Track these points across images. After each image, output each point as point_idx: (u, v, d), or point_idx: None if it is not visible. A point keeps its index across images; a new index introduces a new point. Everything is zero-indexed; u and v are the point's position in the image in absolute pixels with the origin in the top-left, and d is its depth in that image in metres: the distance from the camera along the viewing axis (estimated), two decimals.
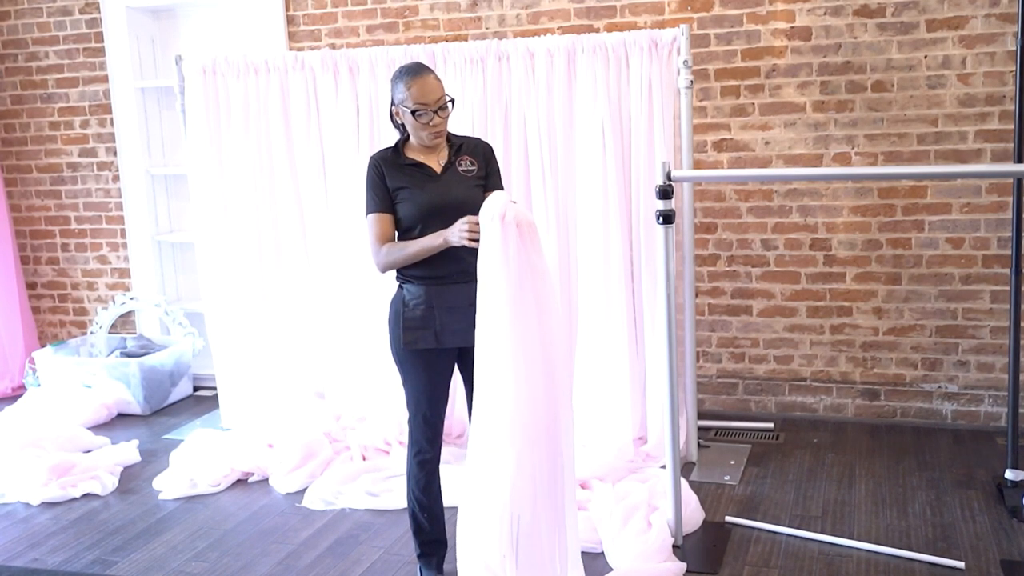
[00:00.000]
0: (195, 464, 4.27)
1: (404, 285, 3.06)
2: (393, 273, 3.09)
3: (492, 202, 2.72)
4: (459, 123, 4.36)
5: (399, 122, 3.04)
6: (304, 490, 4.05)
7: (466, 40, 4.69)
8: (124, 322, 5.85)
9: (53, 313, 6.07)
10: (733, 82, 4.53)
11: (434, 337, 2.99)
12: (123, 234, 5.77)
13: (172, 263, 5.81)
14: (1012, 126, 4.09)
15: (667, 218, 3.26)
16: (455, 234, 2.81)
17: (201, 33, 5.51)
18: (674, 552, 3.35)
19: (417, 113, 2.93)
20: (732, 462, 4.18)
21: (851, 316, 4.57)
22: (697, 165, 4.44)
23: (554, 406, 2.77)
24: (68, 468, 4.26)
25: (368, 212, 3.02)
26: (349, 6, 5.06)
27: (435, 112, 2.94)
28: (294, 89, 4.59)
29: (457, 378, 3.16)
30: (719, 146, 4.59)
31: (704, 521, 3.60)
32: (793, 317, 4.65)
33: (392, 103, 3.01)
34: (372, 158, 3.05)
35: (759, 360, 4.73)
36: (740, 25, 4.49)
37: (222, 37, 5.42)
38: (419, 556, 3.23)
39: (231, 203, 4.74)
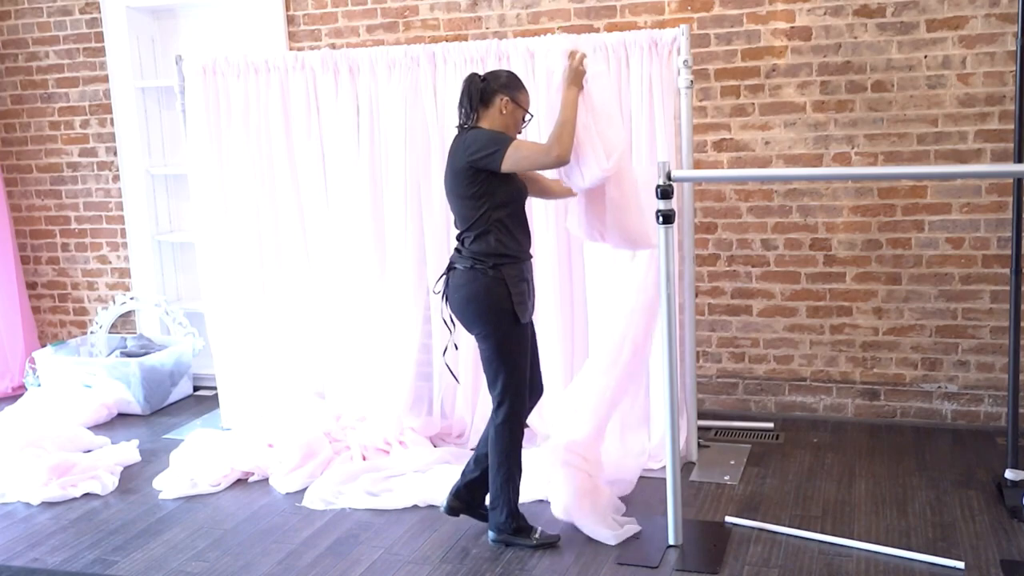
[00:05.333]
0: (195, 464, 4.27)
1: (499, 266, 3.28)
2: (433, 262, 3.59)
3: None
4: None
5: (503, 111, 3.31)
6: (304, 490, 4.05)
7: (466, 40, 4.69)
8: (124, 322, 5.85)
9: (53, 313, 6.07)
10: (733, 82, 4.53)
11: (532, 308, 3.42)
12: (123, 234, 5.77)
13: (172, 263, 5.81)
14: (1012, 126, 4.09)
15: (667, 218, 3.26)
16: (573, 69, 3.28)
17: (201, 33, 5.51)
18: (674, 552, 3.36)
19: (524, 115, 3.37)
20: (732, 462, 4.18)
21: (851, 316, 4.57)
22: (697, 165, 4.44)
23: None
24: (68, 468, 4.26)
25: (510, 142, 3.23)
26: (349, 6, 5.06)
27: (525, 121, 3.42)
28: (294, 89, 4.59)
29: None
30: (719, 146, 4.59)
31: (704, 521, 3.61)
32: (793, 317, 4.65)
33: (509, 92, 3.30)
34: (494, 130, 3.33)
35: (759, 360, 4.73)
36: (740, 25, 4.49)
37: (222, 37, 5.42)
38: (518, 530, 3.44)
39: (231, 203, 4.74)
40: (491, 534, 3.49)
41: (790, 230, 4.57)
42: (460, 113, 3.36)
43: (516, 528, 3.45)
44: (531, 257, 3.42)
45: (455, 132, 3.40)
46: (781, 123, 4.50)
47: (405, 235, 4.48)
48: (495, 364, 3.34)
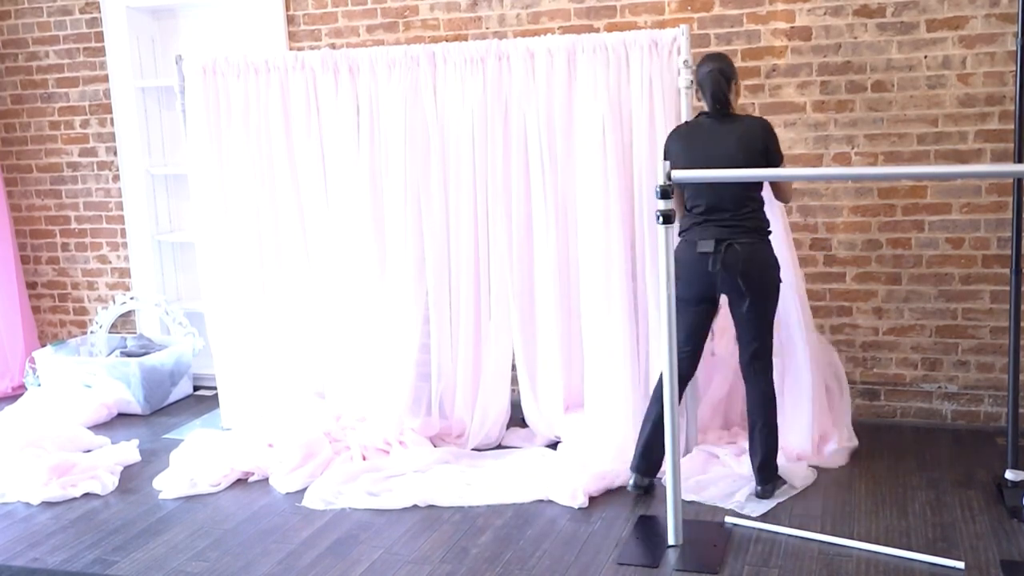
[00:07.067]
0: (195, 464, 4.27)
1: (769, 235, 3.73)
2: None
3: None
4: (459, 123, 4.36)
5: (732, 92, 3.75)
6: (304, 490, 4.04)
7: (466, 40, 4.70)
8: (124, 322, 5.85)
9: (53, 313, 6.07)
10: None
11: None
12: (123, 234, 5.77)
13: (172, 263, 5.81)
14: (1012, 126, 4.09)
15: (667, 218, 3.26)
16: None
17: (201, 33, 5.51)
18: (673, 552, 3.36)
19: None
20: None
21: (851, 316, 4.57)
22: None
23: None
24: (68, 468, 4.26)
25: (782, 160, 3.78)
26: (349, 6, 5.06)
27: None
28: (294, 89, 4.59)
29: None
30: None
31: (704, 521, 3.61)
32: None
33: (734, 77, 3.73)
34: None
35: None
36: (740, 25, 4.50)
37: (222, 37, 5.42)
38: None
39: (231, 203, 4.74)
40: (762, 486, 3.74)
41: (790, 230, 4.56)
42: (718, 106, 3.71)
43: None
44: None
45: (706, 119, 3.76)
46: (781, 123, 4.50)
47: (405, 235, 4.49)
48: (770, 319, 3.73)
